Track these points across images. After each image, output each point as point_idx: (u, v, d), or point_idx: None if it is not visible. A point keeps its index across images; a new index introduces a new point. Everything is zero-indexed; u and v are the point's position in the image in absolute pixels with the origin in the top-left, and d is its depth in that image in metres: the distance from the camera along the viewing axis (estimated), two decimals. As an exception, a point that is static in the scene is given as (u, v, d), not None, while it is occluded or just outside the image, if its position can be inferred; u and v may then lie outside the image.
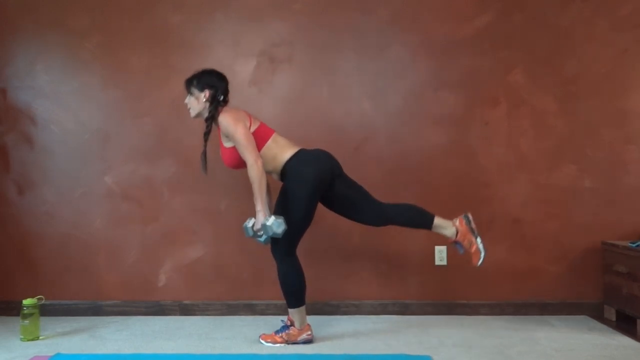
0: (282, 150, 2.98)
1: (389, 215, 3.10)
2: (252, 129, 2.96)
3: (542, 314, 3.56)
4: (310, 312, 3.26)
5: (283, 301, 3.11)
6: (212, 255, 3.65)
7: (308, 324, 3.06)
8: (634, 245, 3.26)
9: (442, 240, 3.59)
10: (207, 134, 3.02)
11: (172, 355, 2.87)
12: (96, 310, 3.63)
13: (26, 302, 3.16)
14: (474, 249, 3.02)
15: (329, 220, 3.43)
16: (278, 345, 3.00)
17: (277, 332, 3.05)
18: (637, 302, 3.20)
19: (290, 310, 3.02)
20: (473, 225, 3.04)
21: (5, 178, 3.68)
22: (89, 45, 3.66)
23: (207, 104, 3.02)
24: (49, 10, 3.66)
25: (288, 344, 3.01)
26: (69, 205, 3.67)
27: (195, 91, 3.03)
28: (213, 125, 3.02)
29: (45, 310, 3.43)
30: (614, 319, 3.44)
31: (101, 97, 3.67)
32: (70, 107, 3.67)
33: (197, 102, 3.03)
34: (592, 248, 3.58)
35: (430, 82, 3.62)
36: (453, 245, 3.12)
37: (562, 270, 3.59)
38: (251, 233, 2.95)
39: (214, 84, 3.03)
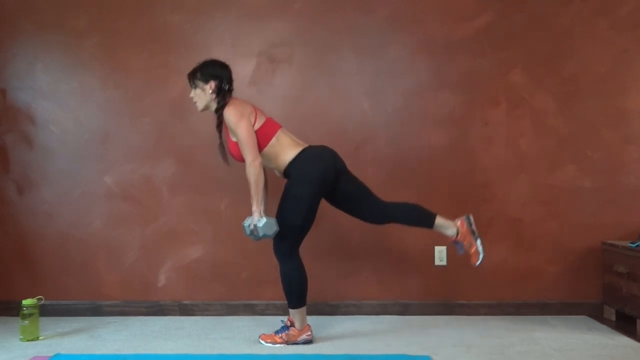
0: (284, 150, 2.96)
1: (392, 213, 3.11)
2: (257, 125, 2.93)
3: (542, 314, 3.56)
4: (310, 312, 3.26)
5: (283, 301, 3.11)
6: (211, 255, 3.65)
7: (308, 325, 3.05)
8: (633, 245, 3.26)
9: (442, 240, 3.59)
10: (219, 126, 2.98)
11: (172, 355, 2.87)
12: (95, 311, 3.63)
13: (26, 302, 3.16)
14: (473, 250, 3.05)
15: (329, 220, 3.43)
16: (278, 345, 3.00)
17: (277, 332, 3.05)
18: (637, 302, 3.20)
19: (291, 310, 3.01)
20: (474, 227, 3.07)
21: (4, 178, 3.68)
22: (88, 45, 3.66)
23: (214, 96, 2.98)
24: (48, 10, 3.66)
25: (288, 344, 3.00)
26: (69, 205, 3.66)
27: (200, 84, 2.98)
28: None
29: (45, 311, 3.42)
30: (613, 319, 3.44)
31: (101, 97, 3.66)
32: (69, 107, 3.67)
33: (204, 95, 2.98)
34: (591, 248, 3.58)
35: (430, 82, 3.62)
36: (453, 244, 3.15)
37: (562, 270, 3.59)
38: (248, 232, 2.95)
39: (219, 73, 2.98)
